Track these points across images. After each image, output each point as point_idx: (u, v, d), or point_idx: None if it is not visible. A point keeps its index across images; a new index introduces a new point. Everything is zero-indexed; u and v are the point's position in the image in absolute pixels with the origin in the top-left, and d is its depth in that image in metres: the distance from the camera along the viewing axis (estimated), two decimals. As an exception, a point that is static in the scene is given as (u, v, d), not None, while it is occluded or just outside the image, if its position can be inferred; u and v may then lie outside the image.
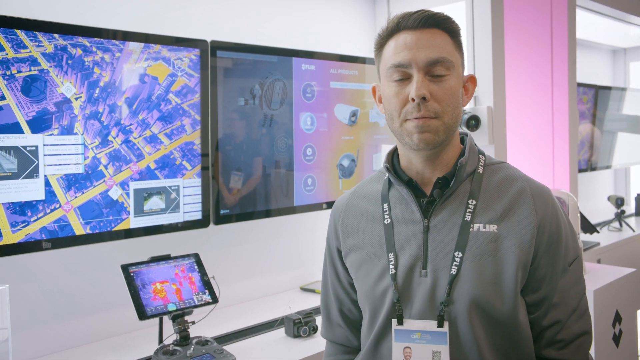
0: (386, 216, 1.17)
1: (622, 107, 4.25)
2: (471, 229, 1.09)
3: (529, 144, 2.71)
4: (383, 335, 1.12)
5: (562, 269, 1.10)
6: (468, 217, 1.10)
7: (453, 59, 1.09)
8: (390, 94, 1.11)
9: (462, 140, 1.20)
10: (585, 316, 1.13)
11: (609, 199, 3.77)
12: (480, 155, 1.19)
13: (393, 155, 1.22)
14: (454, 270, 1.07)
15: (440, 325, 1.06)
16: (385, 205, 1.18)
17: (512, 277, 1.06)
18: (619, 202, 3.64)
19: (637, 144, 4.44)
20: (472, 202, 1.11)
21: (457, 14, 2.36)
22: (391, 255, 1.12)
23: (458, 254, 1.08)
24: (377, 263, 1.14)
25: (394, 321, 1.09)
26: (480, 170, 1.16)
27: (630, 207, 4.25)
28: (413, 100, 1.07)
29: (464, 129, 2.27)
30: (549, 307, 1.10)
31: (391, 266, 1.11)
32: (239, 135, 2.01)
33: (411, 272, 1.10)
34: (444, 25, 1.11)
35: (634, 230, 3.47)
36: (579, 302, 1.12)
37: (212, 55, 1.91)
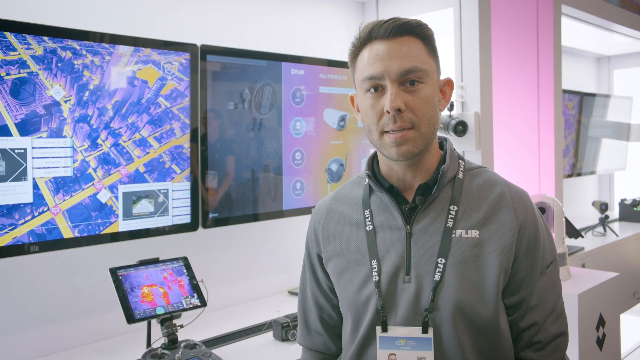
0: (368, 223, 1.16)
1: (606, 114, 4.31)
2: (453, 235, 1.10)
3: (515, 149, 2.74)
4: (367, 342, 1.12)
5: (540, 271, 1.12)
6: (450, 223, 1.11)
7: (427, 67, 1.09)
8: (366, 106, 1.11)
9: (442, 146, 1.21)
10: (562, 318, 1.15)
11: (593, 204, 3.82)
12: (460, 161, 1.19)
13: (373, 161, 1.22)
14: (437, 277, 1.07)
15: (424, 331, 1.06)
16: (367, 212, 1.17)
17: (494, 281, 1.07)
18: (603, 207, 3.69)
19: (621, 150, 4.51)
20: (453, 208, 1.12)
21: (445, 20, 2.39)
22: (374, 262, 1.12)
23: (441, 260, 1.08)
24: (360, 270, 1.14)
25: (378, 328, 1.09)
26: (460, 175, 1.16)
27: (614, 213, 4.31)
28: (388, 112, 1.07)
29: (451, 134, 2.30)
30: (527, 309, 1.12)
31: (374, 273, 1.11)
32: (228, 139, 2.02)
33: (395, 278, 1.10)
34: (416, 32, 1.10)
35: (617, 235, 3.51)
36: (555, 304, 1.14)
37: (202, 59, 1.92)
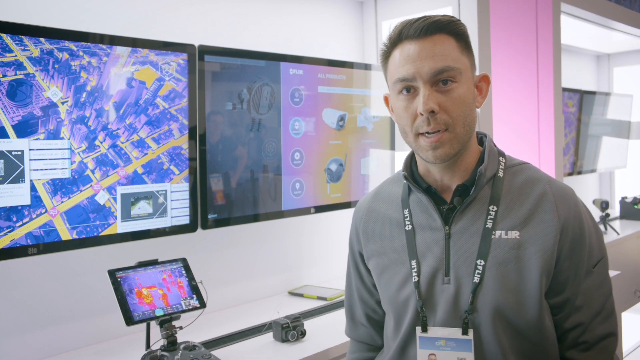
0: (407, 222, 1.16)
1: (606, 112, 4.30)
2: (493, 236, 1.08)
3: (516, 148, 2.73)
4: (408, 341, 1.13)
5: (585, 271, 1.09)
6: (489, 224, 1.09)
7: (459, 66, 1.07)
8: (400, 108, 1.10)
9: (482, 141, 1.18)
10: (611, 318, 1.11)
11: (594, 202, 3.81)
12: (501, 158, 1.17)
13: (411, 160, 1.21)
14: (476, 279, 1.06)
15: (464, 332, 1.06)
16: (406, 211, 1.17)
17: (536, 284, 1.05)
18: (604, 205, 3.68)
19: (621, 148, 4.50)
20: (493, 208, 1.10)
21: (444, 19, 2.38)
22: (413, 263, 1.12)
23: (480, 262, 1.07)
24: (400, 269, 1.14)
25: (418, 329, 1.10)
26: (500, 174, 1.14)
27: (614, 211, 4.30)
28: (422, 114, 1.05)
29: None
30: (572, 310, 1.09)
31: (414, 273, 1.11)
32: (227, 139, 2.01)
33: (434, 279, 1.10)
34: (448, 29, 1.08)
35: (618, 234, 3.50)
36: (604, 304, 1.10)
37: (199, 59, 1.91)
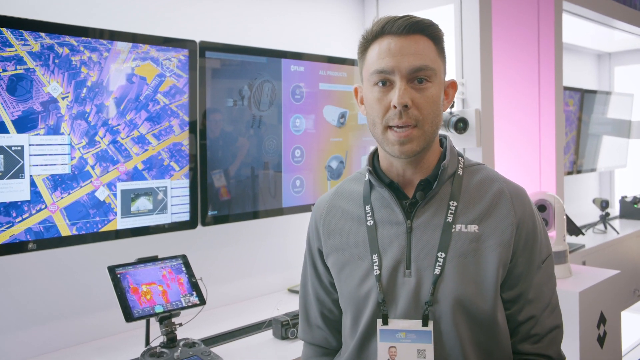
0: (369, 218, 1.18)
1: (607, 111, 4.30)
2: (453, 230, 1.12)
3: (516, 146, 2.73)
4: (368, 335, 1.14)
5: (537, 266, 1.15)
6: (450, 218, 1.13)
7: (436, 67, 1.11)
8: (373, 99, 1.13)
9: (441, 143, 1.22)
10: (557, 311, 1.18)
11: (594, 201, 3.81)
12: (460, 158, 1.22)
13: (373, 156, 1.24)
14: (437, 270, 1.09)
15: (424, 324, 1.09)
16: (368, 207, 1.19)
17: (493, 275, 1.09)
18: (604, 204, 3.68)
19: (622, 148, 4.49)
20: (453, 203, 1.14)
21: (445, 17, 2.38)
22: (375, 257, 1.14)
23: (441, 255, 1.10)
24: (361, 264, 1.16)
25: (379, 321, 1.11)
26: (460, 172, 1.19)
27: (614, 210, 4.29)
28: (395, 107, 1.08)
29: (452, 131, 2.29)
30: (525, 303, 1.14)
31: (375, 267, 1.13)
32: (228, 136, 2.01)
33: (395, 272, 1.12)
34: (428, 31, 1.12)
35: (618, 233, 3.50)
36: (551, 298, 1.17)
37: (200, 55, 1.91)
